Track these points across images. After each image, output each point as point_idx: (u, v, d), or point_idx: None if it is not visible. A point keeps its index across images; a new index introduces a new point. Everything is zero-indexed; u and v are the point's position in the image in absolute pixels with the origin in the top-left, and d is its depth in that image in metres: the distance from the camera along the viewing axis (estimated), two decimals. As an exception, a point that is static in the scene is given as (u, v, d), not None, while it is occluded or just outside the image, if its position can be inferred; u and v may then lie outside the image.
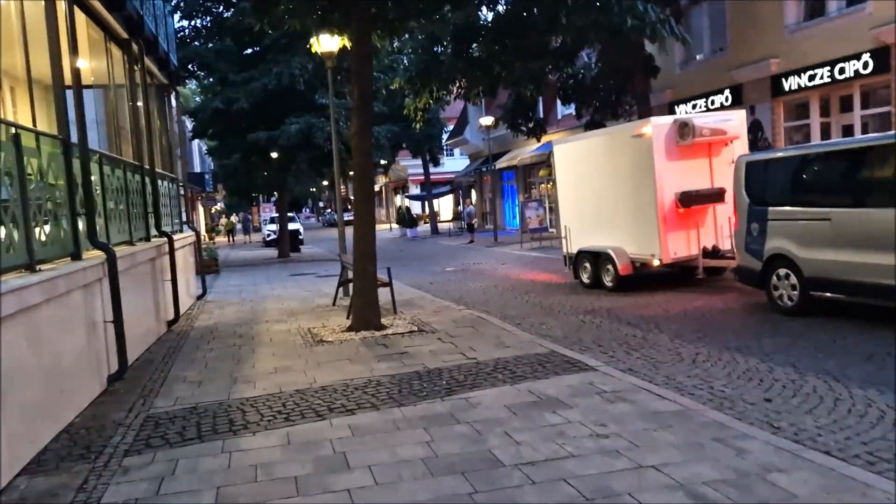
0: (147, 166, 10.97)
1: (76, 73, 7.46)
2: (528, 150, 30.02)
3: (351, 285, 13.15)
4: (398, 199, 62.37)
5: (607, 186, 13.00)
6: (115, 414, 6.20)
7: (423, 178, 54.20)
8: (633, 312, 10.39)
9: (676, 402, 5.57)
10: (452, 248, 28.35)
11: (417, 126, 16.56)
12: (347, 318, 10.94)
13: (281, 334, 9.94)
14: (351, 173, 44.16)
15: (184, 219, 15.10)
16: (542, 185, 31.50)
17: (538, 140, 20.09)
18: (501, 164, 31.40)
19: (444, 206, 56.93)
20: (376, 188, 68.59)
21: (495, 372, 6.91)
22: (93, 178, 7.88)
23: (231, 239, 50.35)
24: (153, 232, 10.91)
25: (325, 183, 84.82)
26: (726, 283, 12.44)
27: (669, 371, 6.84)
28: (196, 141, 56.80)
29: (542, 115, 20.49)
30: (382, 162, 45.11)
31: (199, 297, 15.01)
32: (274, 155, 26.60)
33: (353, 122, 9.50)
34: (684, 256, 11.97)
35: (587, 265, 13.53)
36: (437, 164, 42.08)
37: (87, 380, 6.62)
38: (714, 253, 11.97)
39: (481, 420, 5.42)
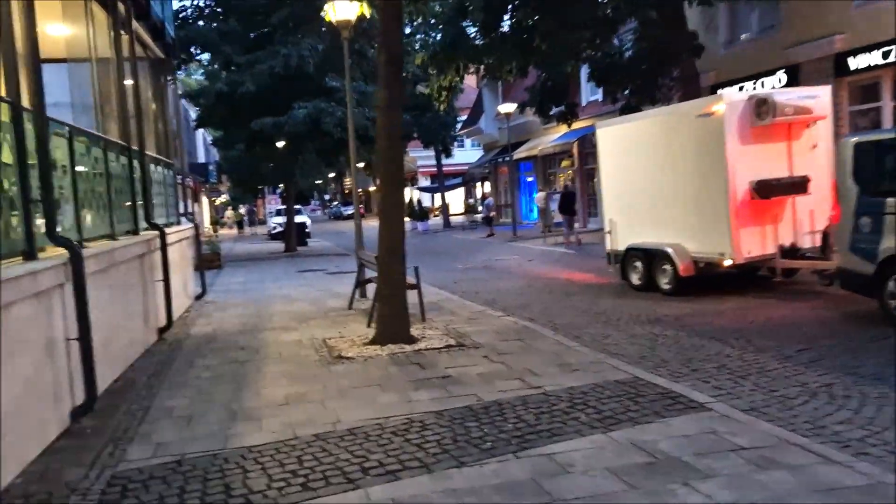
0: (136, 148, 9.35)
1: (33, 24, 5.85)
2: (549, 140, 28.34)
3: (370, 286, 11.56)
4: (407, 192, 60.73)
5: (665, 174, 11.34)
6: (70, 470, 4.59)
7: (432, 169, 52.61)
8: (708, 323, 8.75)
9: (855, 469, 3.93)
10: (470, 243, 26.72)
11: (441, 107, 14.91)
12: (368, 325, 9.35)
13: (291, 346, 8.34)
14: (361, 165, 42.80)
15: (182, 210, 13.50)
16: (565, 175, 29.84)
17: (569, 126, 18.43)
18: (520, 154, 29.74)
19: (454, 199, 55.34)
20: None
21: (574, 409, 5.28)
22: (61, 157, 6.29)
23: (240, 230, 49.41)
24: (142, 224, 9.31)
25: (332, 175, 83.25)
26: (803, 286, 10.80)
27: (810, 413, 5.20)
28: (201, 131, 55.29)
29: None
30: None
31: (198, 298, 13.42)
32: (280, 144, 24.99)
33: (379, 94, 7.87)
34: (759, 255, 10.31)
35: (638, 265, 11.89)
36: (448, 154, 40.37)
37: (38, 421, 5.02)
38: (793, 252, 10.31)
39: (584, 496, 3.80)
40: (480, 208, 40.47)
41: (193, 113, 44.84)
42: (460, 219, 42.33)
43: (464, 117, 41.31)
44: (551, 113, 18.45)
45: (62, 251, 5.60)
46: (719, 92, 15.28)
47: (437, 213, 47.32)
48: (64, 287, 5.58)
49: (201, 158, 54.91)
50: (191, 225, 13.34)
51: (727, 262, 10.25)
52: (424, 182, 55.65)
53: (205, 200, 53.11)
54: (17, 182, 5.20)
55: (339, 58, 23.13)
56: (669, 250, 11.01)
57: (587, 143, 26.69)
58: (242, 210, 55.97)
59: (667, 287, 11.17)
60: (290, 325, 9.97)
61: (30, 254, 5.26)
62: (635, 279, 11.96)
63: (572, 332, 8.55)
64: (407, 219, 42.94)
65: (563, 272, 15.29)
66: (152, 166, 10.74)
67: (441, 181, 39.62)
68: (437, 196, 54.24)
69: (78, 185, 6.65)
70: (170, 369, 7.50)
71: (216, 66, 25.33)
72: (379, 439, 4.86)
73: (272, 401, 6.01)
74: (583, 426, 4.90)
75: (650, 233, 11.66)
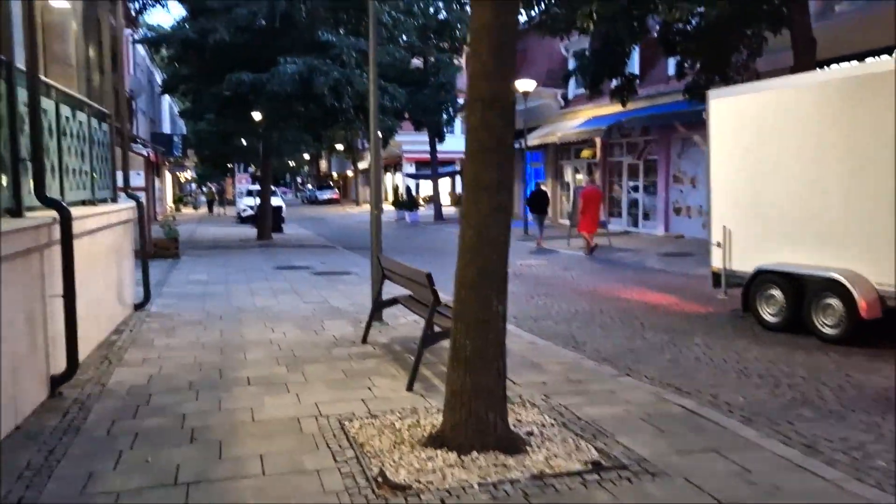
0: (22, 68, 5.43)
1: None
2: (569, 126, 24.68)
3: (388, 310, 7.91)
4: (389, 178, 56.68)
5: (831, 165, 7.75)
6: None
7: (418, 155, 48.72)
8: None
9: None
10: (473, 240, 22.98)
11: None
12: (409, 387, 5.63)
13: (284, 438, 4.55)
14: (340, 147, 39.23)
15: (120, 182, 9.55)
16: (581, 173, 26.19)
17: (623, 104, 14.76)
18: (534, 141, 25.97)
19: (442, 189, 51.51)
20: (363, 165, 62.56)
21: None
22: None
23: (210, 210, 45.45)
24: (28, 201, 5.44)
25: (307, 157, 78.40)
26: None
27: None
28: (167, 100, 50.63)
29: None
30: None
31: (140, 307, 9.51)
32: (257, 116, 20.94)
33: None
34: None
35: (775, 294, 8.30)
36: (442, 139, 36.52)
37: None
38: None
39: None
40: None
41: (160, 78, 40.44)
42: (451, 210, 38.62)
43: (460, 100, 37.41)
44: (603, 86, 14.77)
45: None
46: None
47: (423, 203, 43.58)
48: None
49: (166, 129, 50.28)
50: (131, 204, 9.39)
51: (957, 305, 6.70)
52: (409, 168, 51.74)
53: (168, 176, 48.69)
54: None
55: (335, 8, 19.30)
56: (842, 279, 7.43)
57: (615, 133, 23.16)
58: (214, 188, 51.58)
59: (831, 332, 7.61)
60: (276, 373, 6.18)
61: None
62: (769, 314, 8.38)
63: (783, 430, 4.88)
64: (390, 206, 39.12)
65: (628, 290, 11.64)
66: (66, 110, 6.83)
67: (434, 167, 35.71)
68: (423, 185, 50.59)
69: None
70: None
71: (184, 24, 21.11)
72: None
73: None
74: None
75: (798, 250, 8.10)
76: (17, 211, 5.29)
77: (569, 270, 14.48)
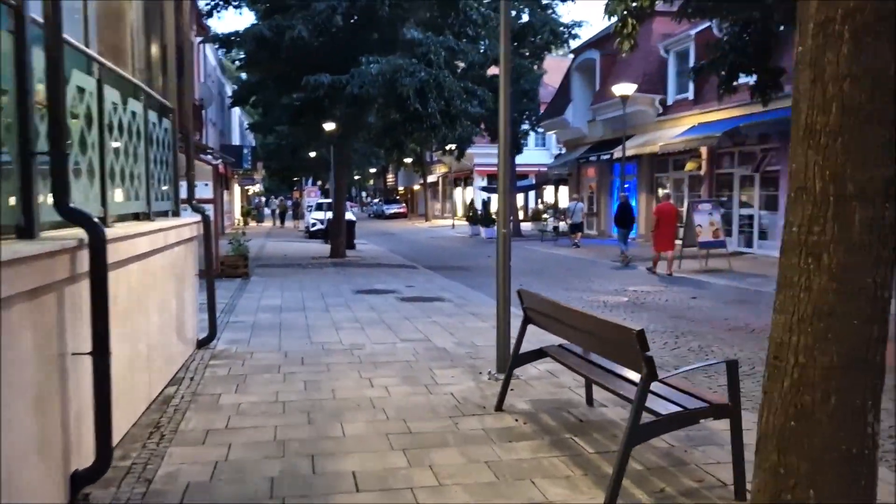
0: (39, 20, 3.70)
1: None
2: (671, 134, 22.33)
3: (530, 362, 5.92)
4: (458, 192, 54.96)
5: None
6: None
7: (490, 168, 46.82)
8: None
9: None
10: (562, 259, 20.86)
11: (626, 46, 9.10)
12: (606, 501, 3.59)
13: None
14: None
15: (183, 193, 7.85)
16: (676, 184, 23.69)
17: (765, 104, 12.44)
18: (629, 151, 23.71)
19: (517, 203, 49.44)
20: (432, 178, 61.04)
21: None
22: None
23: (282, 223, 43.97)
24: (43, 216, 3.68)
25: (373, 170, 77.36)
26: None
27: None
28: (237, 112, 50.27)
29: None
30: (451, 147, 37.67)
31: (204, 343, 7.79)
32: (329, 126, 19.39)
33: None
34: None
35: None
36: (520, 151, 34.49)
37: None
38: None
39: None
40: (547, 215, 34.72)
41: (230, 90, 39.82)
42: (527, 226, 36.52)
43: (541, 110, 35.39)
44: (738, 81, 12.48)
45: None
46: None
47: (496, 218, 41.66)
48: None
49: (236, 143, 49.82)
50: (196, 218, 7.70)
51: None
52: (480, 181, 49.91)
53: (237, 188, 48.18)
54: None
55: (418, 6, 17.60)
56: None
57: (724, 142, 20.70)
58: (289, 201, 50.45)
59: None
60: (392, 466, 4.26)
61: None
62: None
63: None
64: (465, 222, 37.28)
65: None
66: (114, 94, 5.12)
67: (513, 182, 33.68)
68: (494, 199, 48.65)
69: None
70: None
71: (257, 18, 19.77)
72: None
73: None
74: None
75: None
76: (27, 229, 3.54)
77: (698, 299, 12.26)
